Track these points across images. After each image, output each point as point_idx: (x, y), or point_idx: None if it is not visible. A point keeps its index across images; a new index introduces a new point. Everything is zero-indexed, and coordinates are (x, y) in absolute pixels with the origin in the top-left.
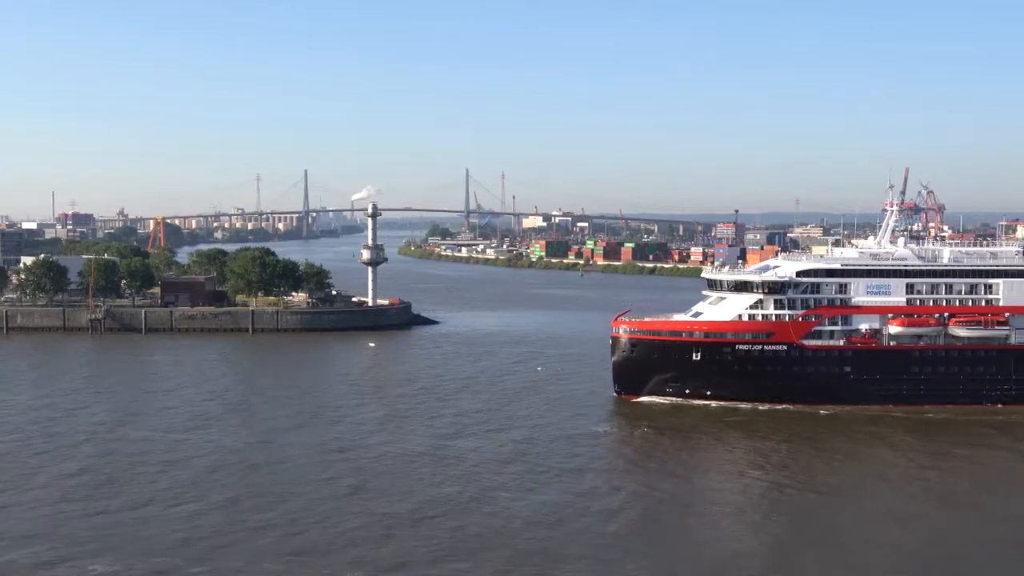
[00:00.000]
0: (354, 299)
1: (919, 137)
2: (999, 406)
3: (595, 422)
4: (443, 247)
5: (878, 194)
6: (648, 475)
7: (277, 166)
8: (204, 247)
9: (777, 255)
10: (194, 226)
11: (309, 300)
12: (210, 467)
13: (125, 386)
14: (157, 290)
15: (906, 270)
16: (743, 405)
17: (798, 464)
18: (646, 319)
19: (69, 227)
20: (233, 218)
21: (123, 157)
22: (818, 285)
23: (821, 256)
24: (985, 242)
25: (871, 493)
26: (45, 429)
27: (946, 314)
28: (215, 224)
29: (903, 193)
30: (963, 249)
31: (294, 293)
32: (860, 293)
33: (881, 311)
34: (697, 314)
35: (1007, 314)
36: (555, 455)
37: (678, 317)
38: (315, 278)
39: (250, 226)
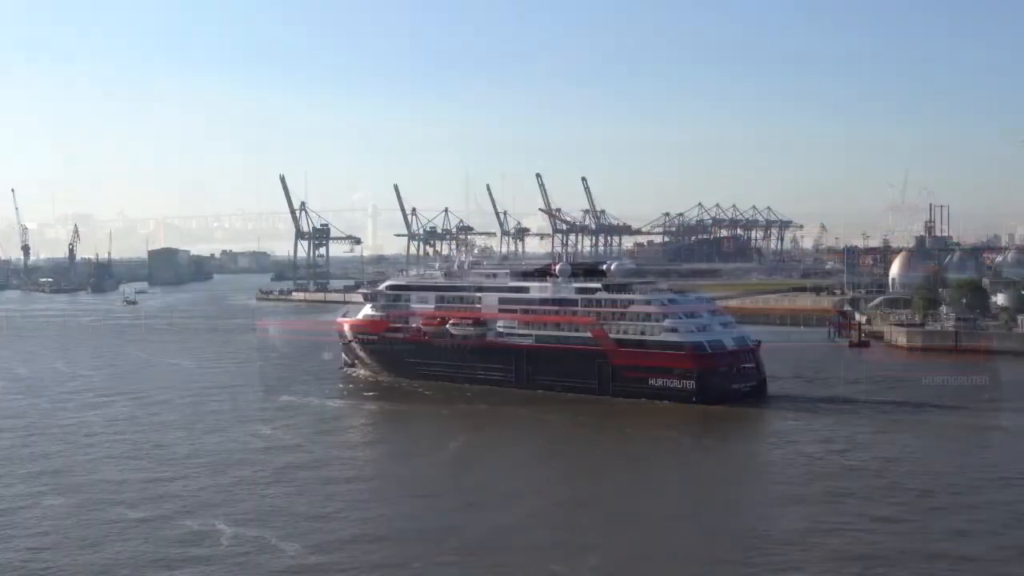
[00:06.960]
0: None
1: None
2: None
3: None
4: None
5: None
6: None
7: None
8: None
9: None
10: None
11: None
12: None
13: None
14: None
15: (434, 286)
16: None
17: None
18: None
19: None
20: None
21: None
22: (399, 296)
23: (420, 275)
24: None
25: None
26: None
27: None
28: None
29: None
30: (480, 271)
31: None
32: (415, 302)
33: (423, 315)
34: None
35: (484, 318)
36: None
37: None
38: None
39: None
